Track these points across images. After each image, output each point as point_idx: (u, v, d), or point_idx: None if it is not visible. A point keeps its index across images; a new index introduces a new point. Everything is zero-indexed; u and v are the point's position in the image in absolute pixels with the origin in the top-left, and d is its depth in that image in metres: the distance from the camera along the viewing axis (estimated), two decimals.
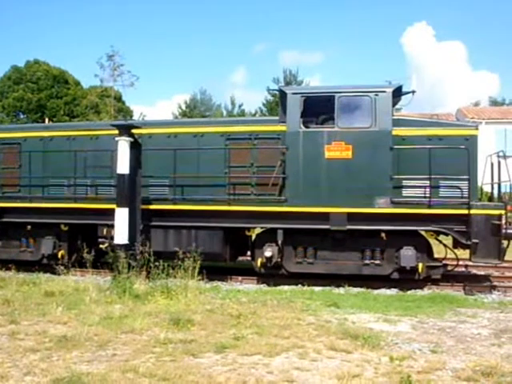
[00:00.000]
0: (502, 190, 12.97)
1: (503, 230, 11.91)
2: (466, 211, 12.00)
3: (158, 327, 8.40)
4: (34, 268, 14.07)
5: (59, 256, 14.41)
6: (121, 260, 11.27)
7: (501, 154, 12.56)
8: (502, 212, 11.98)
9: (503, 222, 12.02)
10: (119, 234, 12.39)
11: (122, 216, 12.45)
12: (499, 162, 12.52)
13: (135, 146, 12.94)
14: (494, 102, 65.84)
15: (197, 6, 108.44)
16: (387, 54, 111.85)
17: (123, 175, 12.57)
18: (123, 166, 12.55)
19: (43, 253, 14.52)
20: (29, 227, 14.80)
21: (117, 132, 12.77)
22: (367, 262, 12.64)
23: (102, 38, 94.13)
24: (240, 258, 15.28)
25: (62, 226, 14.47)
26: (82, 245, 12.48)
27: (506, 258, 12.71)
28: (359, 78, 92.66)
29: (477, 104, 59.88)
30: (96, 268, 12.91)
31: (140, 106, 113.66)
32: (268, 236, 13.08)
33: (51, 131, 15.16)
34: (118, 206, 12.52)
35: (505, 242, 12.11)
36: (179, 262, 11.15)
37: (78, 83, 51.69)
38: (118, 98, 51.30)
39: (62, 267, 12.48)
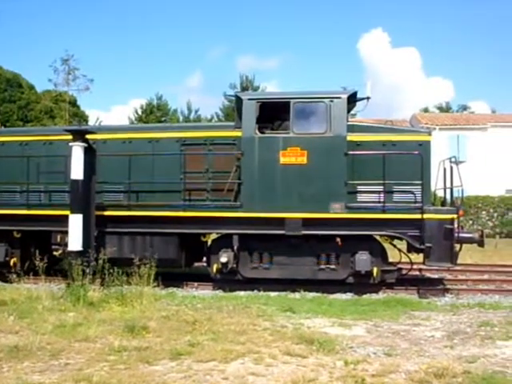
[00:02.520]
0: (455, 195, 13.16)
1: (456, 234, 12.11)
2: (419, 216, 12.17)
3: (113, 335, 8.30)
4: None
5: (11, 264, 14.06)
6: (75, 267, 11.11)
7: (453, 159, 12.82)
8: (455, 216, 12.19)
9: (455, 226, 12.22)
10: (73, 240, 12.19)
11: (75, 222, 12.26)
12: (452, 168, 12.73)
13: (89, 152, 12.77)
14: (440, 109, 67.40)
15: (151, 10, 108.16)
16: (344, 59, 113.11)
17: (77, 181, 12.38)
18: (77, 172, 12.37)
19: None
20: None
21: (71, 137, 12.59)
22: (322, 266, 12.72)
23: (56, 41, 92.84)
24: (196, 264, 15.20)
25: (15, 233, 14.09)
26: (35, 252, 12.24)
27: (459, 261, 12.92)
28: (316, 84, 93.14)
29: (426, 110, 61.21)
30: (50, 275, 12.69)
31: (96, 110, 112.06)
32: (223, 242, 13.03)
33: (3, 136, 14.85)
34: (72, 212, 12.32)
35: (457, 246, 12.33)
36: (134, 269, 11.06)
37: (32, 87, 50.70)
38: (73, 103, 50.52)
39: (15, 275, 12.23)
